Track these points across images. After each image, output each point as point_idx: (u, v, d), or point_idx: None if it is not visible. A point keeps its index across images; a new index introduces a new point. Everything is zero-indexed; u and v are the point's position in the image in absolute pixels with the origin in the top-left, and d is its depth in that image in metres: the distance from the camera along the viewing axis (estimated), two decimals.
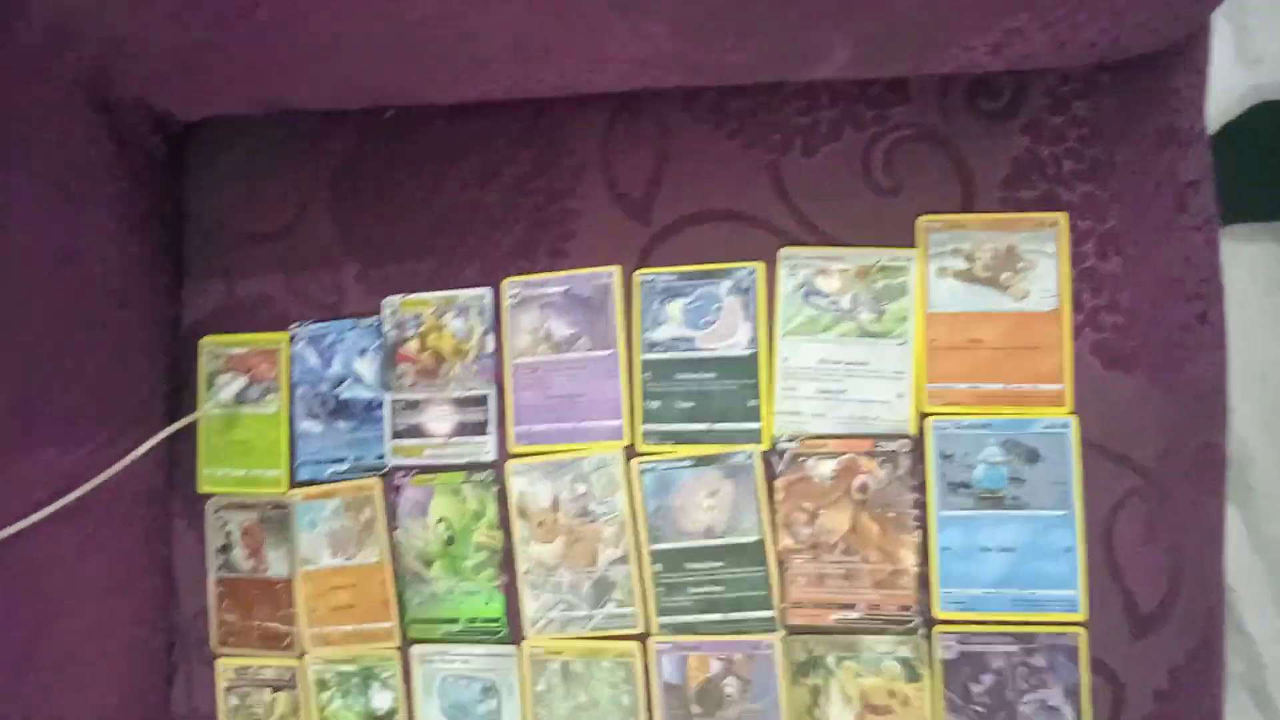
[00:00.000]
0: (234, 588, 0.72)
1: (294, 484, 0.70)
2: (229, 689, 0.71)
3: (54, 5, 0.57)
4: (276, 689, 0.70)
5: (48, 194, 0.63)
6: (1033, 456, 0.54)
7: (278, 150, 0.71)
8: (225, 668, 0.72)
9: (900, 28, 0.51)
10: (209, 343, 0.73)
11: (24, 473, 0.62)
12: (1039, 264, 0.55)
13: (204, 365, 0.73)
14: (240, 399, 0.72)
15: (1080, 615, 0.54)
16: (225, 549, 0.72)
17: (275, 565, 0.71)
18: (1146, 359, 0.55)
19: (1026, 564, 0.54)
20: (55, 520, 0.62)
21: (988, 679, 0.54)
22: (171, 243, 0.74)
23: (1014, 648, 0.54)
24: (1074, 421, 0.54)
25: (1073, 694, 0.54)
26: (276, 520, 0.71)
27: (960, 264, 0.56)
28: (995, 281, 0.55)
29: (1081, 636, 0.54)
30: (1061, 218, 0.55)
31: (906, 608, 0.56)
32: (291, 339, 0.71)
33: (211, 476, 0.73)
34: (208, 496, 0.73)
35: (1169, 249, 0.56)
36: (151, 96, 0.66)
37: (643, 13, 0.51)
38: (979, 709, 0.54)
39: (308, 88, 0.64)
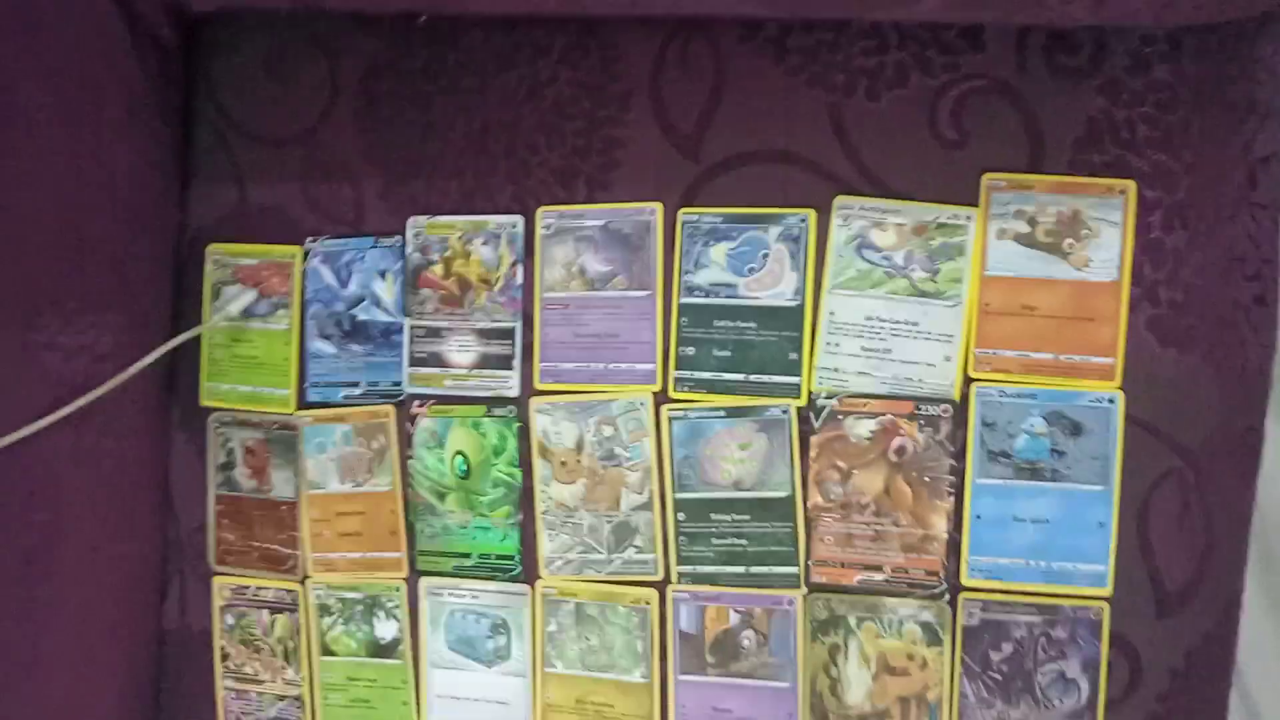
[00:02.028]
0: (234, 506, 0.70)
1: (302, 405, 0.67)
2: (225, 607, 0.70)
3: None
4: (275, 610, 0.69)
5: (55, 83, 0.58)
6: (1076, 430, 0.53)
7: (301, 50, 0.66)
8: (222, 585, 0.70)
9: None
10: (217, 250, 0.70)
11: (25, 379, 0.58)
12: (1103, 232, 0.53)
13: (210, 274, 0.70)
14: (248, 314, 0.69)
15: (1106, 591, 0.53)
16: (226, 466, 0.70)
17: (280, 486, 0.69)
18: (1202, 338, 0.53)
19: (1058, 537, 0.53)
20: (55, 429, 0.59)
21: (1007, 647, 0.54)
22: (180, 142, 0.70)
23: (1037, 618, 0.54)
24: (1121, 397, 0.53)
25: (1091, 667, 0.53)
26: (282, 441, 0.68)
27: (1022, 226, 0.53)
28: (1057, 247, 0.53)
29: (1105, 611, 0.53)
30: (1131, 186, 0.53)
31: (933, 573, 0.55)
32: (306, 253, 0.67)
33: (215, 390, 0.70)
34: (210, 411, 0.70)
35: (1235, 226, 0.54)
36: None
37: None
38: (996, 676, 0.54)
39: None
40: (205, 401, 0.70)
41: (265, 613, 0.69)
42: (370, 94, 0.64)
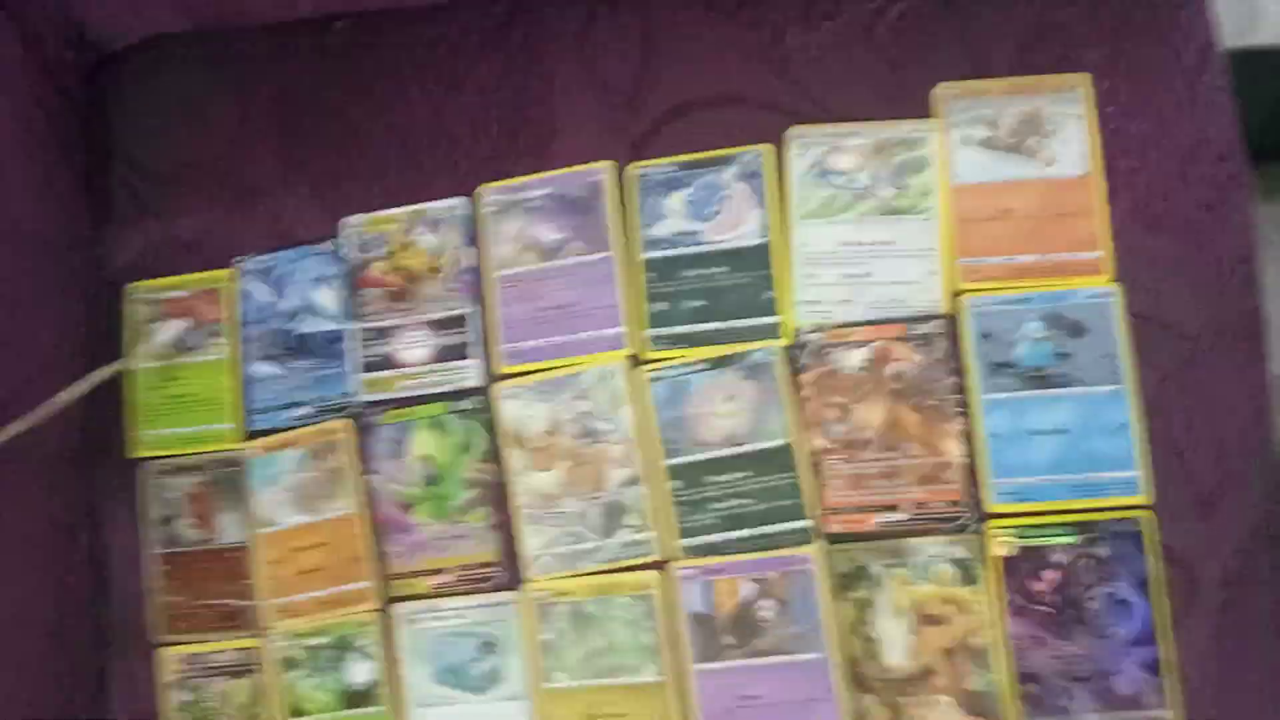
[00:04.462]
0: (179, 563, 0.62)
1: (247, 437, 0.61)
2: (176, 682, 0.61)
3: None
4: (234, 675, 0.60)
5: None
6: (1077, 329, 0.50)
7: (211, 76, 0.63)
8: (170, 658, 0.61)
9: None
10: (138, 289, 0.64)
11: None
12: (1066, 127, 0.51)
13: (132, 314, 0.64)
14: (180, 346, 0.62)
15: (1143, 498, 0.49)
16: (167, 520, 0.62)
17: (227, 531, 0.61)
18: (1186, 223, 0.51)
19: (1081, 445, 0.49)
20: None
21: (1050, 575, 0.49)
22: (93, 181, 0.65)
23: (1075, 538, 0.49)
24: (1118, 290, 0.50)
25: (1142, 584, 0.48)
26: (228, 480, 0.61)
27: (983, 131, 0.51)
28: (1021, 148, 0.51)
29: (1146, 520, 0.49)
30: (1084, 79, 0.51)
31: (955, 503, 0.50)
32: (238, 274, 0.62)
33: (148, 439, 0.63)
34: (140, 463, 0.63)
35: (1195, 110, 0.52)
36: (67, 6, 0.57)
37: None
38: (1046, 609, 0.49)
39: None
40: (137, 453, 0.63)
41: (223, 680, 0.60)
42: (288, 109, 0.61)
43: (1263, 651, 0.49)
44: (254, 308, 0.61)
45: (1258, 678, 0.49)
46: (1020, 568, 0.49)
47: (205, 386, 0.62)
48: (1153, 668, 0.48)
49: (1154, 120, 0.52)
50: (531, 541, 0.54)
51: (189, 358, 0.62)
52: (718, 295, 0.53)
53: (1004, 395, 0.50)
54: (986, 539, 0.49)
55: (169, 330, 0.62)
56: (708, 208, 0.53)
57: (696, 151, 0.54)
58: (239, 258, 0.61)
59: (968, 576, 0.49)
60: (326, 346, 0.59)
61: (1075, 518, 0.49)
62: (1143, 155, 0.51)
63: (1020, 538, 0.49)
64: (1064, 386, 0.49)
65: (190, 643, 0.61)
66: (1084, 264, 0.50)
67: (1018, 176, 0.51)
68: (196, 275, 0.63)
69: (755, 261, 0.53)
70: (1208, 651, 0.49)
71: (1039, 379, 0.50)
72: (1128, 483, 0.49)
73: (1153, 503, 0.49)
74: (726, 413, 0.52)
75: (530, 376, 0.55)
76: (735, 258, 0.53)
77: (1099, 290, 0.50)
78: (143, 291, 0.64)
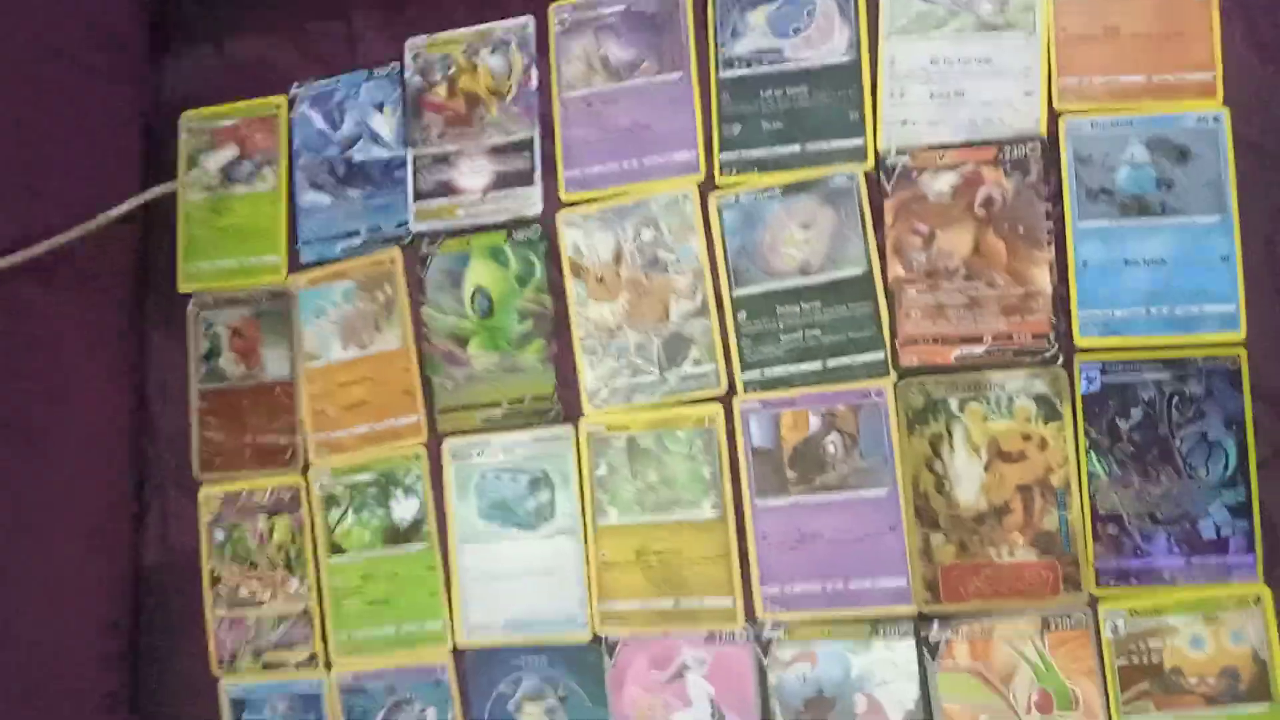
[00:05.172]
0: (222, 400, 0.61)
1: (295, 269, 0.59)
2: (213, 522, 0.60)
3: None
4: (273, 513, 0.59)
5: None
6: (1183, 155, 0.47)
7: None
8: (209, 496, 0.60)
9: None
10: (192, 117, 0.63)
11: None
12: None
13: (186, 144, 0.63)
14: (230, 176, 0.61)
15: (1239, 335, 0.46)
16: (210, 355, 0.61)
17: (273, 366, 0.60)
18: None
19: (1178, 277, 0.47)
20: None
21: (1137, 413, 0.46)
22: (151, 6, 0.63)
23: (1166, 375, 0.47)
24: (1226, 114, 0.47)
25: (1235, 424, 0.46)
26: (274, 314, 0.60)
27: None
28: None
29: (1243, 358, 0.46)
30: None
31: (1041, 335, 0.47)
32: (291, 101, 0.60)
33: (194, 271, 0.62)
34: (189, 297, 0.61)
35: None
36: None
37: None
38: (1128, 447, 0.47)
39: None
40: (184, 286, 0.62)
41: (261, 518, 0.60)
42: None
43: None
44: (309, 136, 0.59)
45: None
46: (1107, 405, 0.47)
47: (254, 217, 0.61)
48: (1240, 512, 0.46)
49: None
50: (590, 375, 0.53)
51: (239, 188, 0.61)
52: (798, 117, 0.51)
53: (1100, 223, 0.47)
54: (1073, 373, 0.47)
55: (219, 157, 0.60)
56: (793, 23, 0.51)
57: None
58: (297, 84, 0.59)
59: (1051, 412, 0.47)
60: (382, 174, 0.58)
61: (1168, 354, 0.46)
62: None
63: (1107, 374, 0.46)
64: (1165, 215, 0.47)
65: (230, 481, 0.60)
66: (1194, 85, 0.47)
67: None
68: (249, 102, 0.61)
69: (840, 80, 0.50)
70: None
71: (1139, 206, 0.47)
72: (1227, 318, 0.46)
73: (1247, 339, 0.46)
74: (801, 240, 0.50)
75: (595, 204, 0.53)
76: (819, 76, 0.51)
77: (1208, 114, 0.47)
78: (196, 120, 0.62)
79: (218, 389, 0.61)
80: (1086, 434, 0.47)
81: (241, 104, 0.61)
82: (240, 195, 0.61)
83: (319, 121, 0.59)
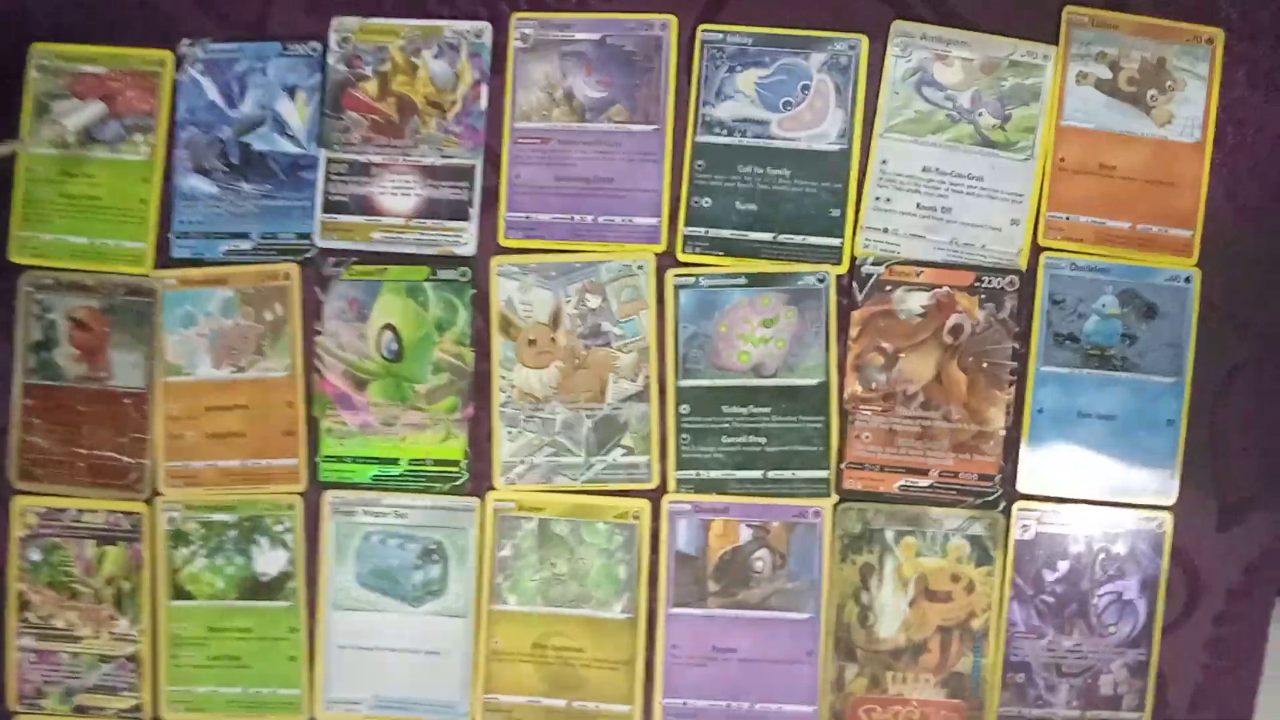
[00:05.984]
0: (53, 400, 0.51)
1: (164, 264, 0.49)
2: (29, 537, 0.51)
3: None
4: (106, 541, 0.50)
5: None
6: (1151, 312, 0.46)
7: None
8: (25, 508, 0.51)
9: None
10: (45, 52, 0.50)
11: None
12: (1188, 86, 0.46)
13: (36, 83, 0.50)
14: (90, 135, 0.50)
15: (1170, 499, 0.46)
16: (44, 346, 0.51)
17: (122, 372, 0.51)
18: (1272, 211, 0.47)
19: (1125, 435, 0.46)
20: None
21: (1064, 566, 0.46)
22: None
23: (1097, 531, 0.46)
24: (1197, 275, 0.46)
25: (1150, 587, 0.47)
26: (130, 311, 0.51)
27: (1104, 71, 0.46)
28: (1140, 99, 0.46)
29: (1168, 522, 0.46)
30: (1219, 34, 0.46)
31: (988, 477, 0.46)
32: (179, 60, 0.49)
33: (31, 242, 0.51)
34: (21, 269, 0.50)
35: None
36: None
37: None
38: (1048, 599, 0.46)
39: None
40: (15, 256, 0.51)
41: (90, 544, 0.51)
42: None
43: (1244, 673, 0.48)
44: (198, 107, 0.49)
45: (1234, 697, 0.47)
46: (1036, 554, 0.46)
47: (116, 191, 0.50)
48: (1138, 671, 0.46)
49: (1269, 95, 0.47)
50: (506, 446, 0.47)
51: (100, 150, 0.50)
52: (775, 201, 0.46)
53: (1061, 370, 0.46)
54: (1011, 520, 0.45)
55: (81, 113, 0.49)
56: (784, 96, 0.46)
57: (785, 23, 0.46)
58: (188, 40, 0.49)
59: (983, 555, 0.46)
60: (286, 172, 0.49)
61: (1101, 511, 0.46)
62: (1252, 132, 0.47)
63: (1043, 524, 0.45)
64: (1124, 370, 0.46)
65: (54, 495, 0.50)
66: (1174, 241, 0.46)
67: (1129, 130, 0.46)
68: (125, 49, 0.50)
69: (826, 170, 0.46)
70: (1192, 661, 0.47)
71: (1100, 358, 0.46)
72: (1161, 482, 0.46)
73: (1175, 505, 0.46)
74: (760, 338, 0.46)
75: (537, 256, 0.47)
76: (805, 161, 0.46)
77: (1180, 273, 0.46)
78: (49, 56, 0.50)
79: (49, 386, 0.51)
80: (1013, 582, 0.46)
81: (113, 50, 0.50)
82: (101, 161, 0.50)
83: (212, 92, 0.49)
